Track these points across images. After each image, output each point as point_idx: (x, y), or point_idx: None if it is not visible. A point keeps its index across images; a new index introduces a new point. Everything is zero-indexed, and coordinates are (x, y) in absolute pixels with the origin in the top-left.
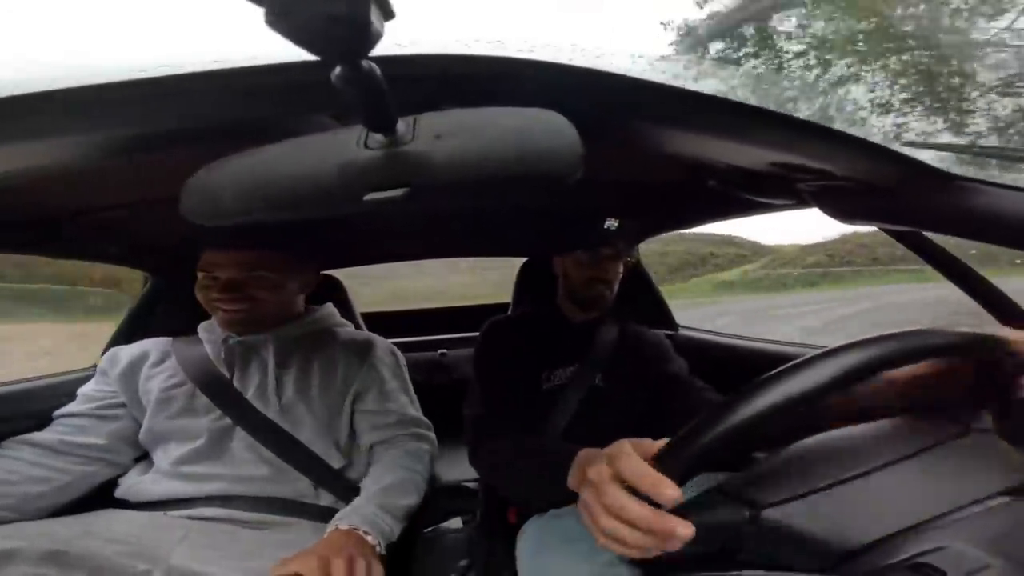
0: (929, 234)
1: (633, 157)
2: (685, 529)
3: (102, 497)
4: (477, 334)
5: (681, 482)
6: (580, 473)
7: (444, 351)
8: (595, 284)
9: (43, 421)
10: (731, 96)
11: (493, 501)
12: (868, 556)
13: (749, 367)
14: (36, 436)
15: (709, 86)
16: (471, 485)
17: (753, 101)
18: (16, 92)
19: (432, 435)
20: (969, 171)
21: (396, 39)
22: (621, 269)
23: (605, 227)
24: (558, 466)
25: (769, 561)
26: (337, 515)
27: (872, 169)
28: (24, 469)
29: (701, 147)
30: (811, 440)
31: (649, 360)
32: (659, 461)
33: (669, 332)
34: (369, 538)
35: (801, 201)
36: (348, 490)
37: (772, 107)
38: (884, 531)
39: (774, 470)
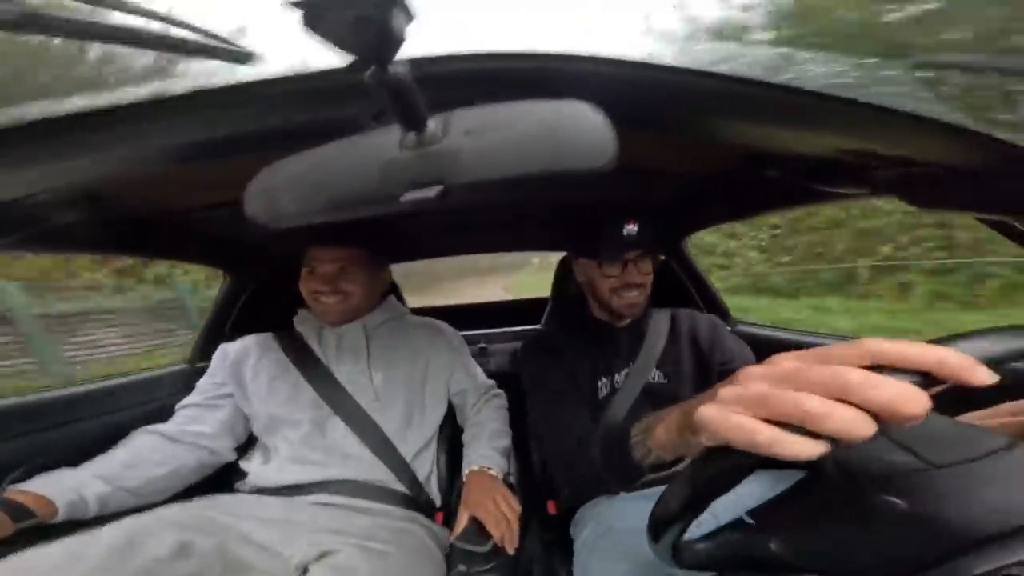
0: None
1: (680, 147)
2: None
3: (205, 483)
4: (516, 328)
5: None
6: (678, 420)
7: (484, 345)
8: (625, 291)
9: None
10: (782, 80)
11: (532, 493)
12: (954, 563)
13: None
14: (158, 426)
15: (757, 70)
16: (511, 478)
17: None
18: (93, 106)
19: (500, 389)
20: None
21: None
22: (651, 269)
23: (624, 234)
24: (616, 445)
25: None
26: (465, 460)
27: (955, 151)
28: (147, 454)
29: (755, 135)
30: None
31: (709, 346)
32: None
33: (726, 327)
34: (493, 471)
35: (875, 189)
36: (414, 481)
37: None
38: (976, 535)
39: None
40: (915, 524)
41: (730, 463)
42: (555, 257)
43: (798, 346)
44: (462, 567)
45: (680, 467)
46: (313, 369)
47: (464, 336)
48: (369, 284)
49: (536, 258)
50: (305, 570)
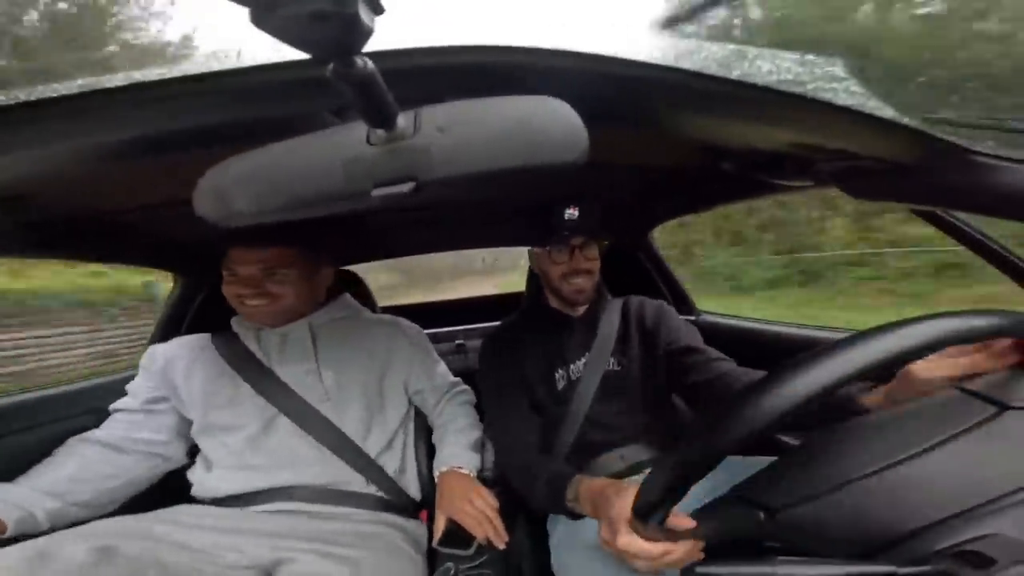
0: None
1: (641, 141)
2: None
3: (160, 491)
4: (495, 323)
5: (664, 516)
6: (591, 507)
7: (461, 341)
8: (573, 277)
9: (94, 418)
10: (739, 76)
11: (510, 487)
12: (911, 543)
13: (772, 351)
14: (98, 433)
15: (715, 66)
16: (487, 473)
17: (763, 80)
18: (26, 99)
19: (467, 386)
20: (990, 147)
21: (392, 33)
22: (597, 254)
23: (566, 217)
24: (559, 492)
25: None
26: (436, 460)
27: (892, 146)
28: (94, 466)
29: (712, 129)
30: (835, 430)
31: (655, 329)
32: (636, 514)
33: (690, 317)
34: (464, 469)
35: (820, 181)
36: (386, 480)
37: (784, 86)
38: (928, 519)
39: (792, 468)
40: (881, 506)
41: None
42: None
43: (758, 335)
44: (449, 564)
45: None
46: (253, 371)
47: (442, 332)
48: (302, 284)
49: (524, 260)
50: None
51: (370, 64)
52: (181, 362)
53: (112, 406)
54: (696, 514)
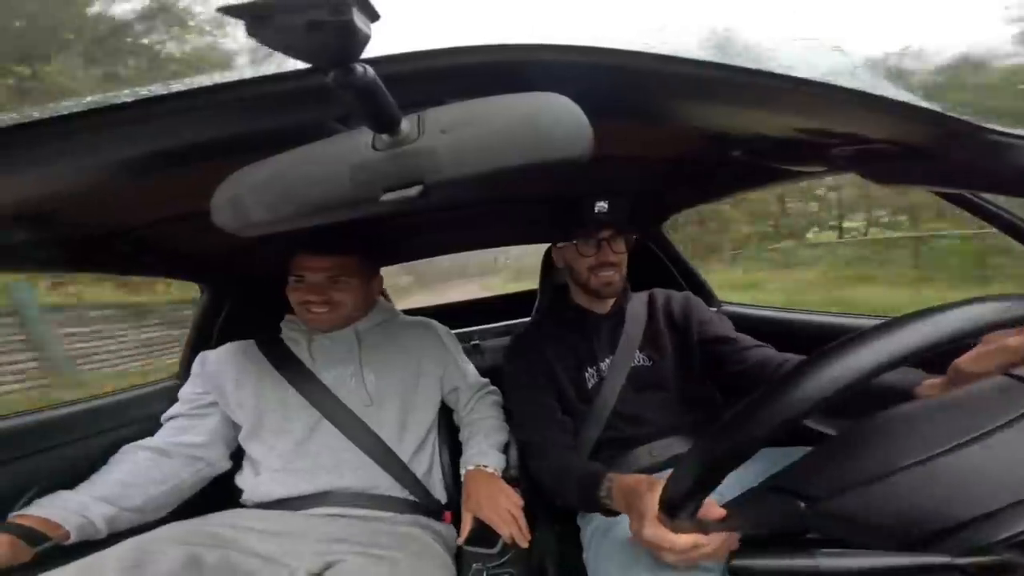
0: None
1: (650, 132)
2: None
3: (203, 496)
4: (508, 322)
5: (695, 510)
6: (624, 503)
7: (477, 341)
8: (601, 270)
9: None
10: (744, 63)
11: (535, 486)
12: (966, 533)
13: (795, 340)
14: (148, 440)
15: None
16: (514, 471)
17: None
18: (47, 116)
19: (494, 387)
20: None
21: (391, 38)
22: (624, 248)
23: (596, 211)
24: (591, 490)
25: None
26: (463, 459)
27: (906, 129)
28: (144, 472)
29: (722, 118)
30: (879, 417)
31: (684, 321)
32: (663, 507)
33: (711, 309)
34: (490, 469)
35: (835, 166)
36: (416, 484)
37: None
38: (983, 508)
39: (831, 458)
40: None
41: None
42: (526, 262)
43: (780, 324)
44: (476, 565)
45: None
46: (300, 376)
47: (456, 333)
48: (360, 292)
49: (502, 257)
50: None
51: (370, 71)
52: (232, 367)
53: (164, 415)
54: (730, 505)
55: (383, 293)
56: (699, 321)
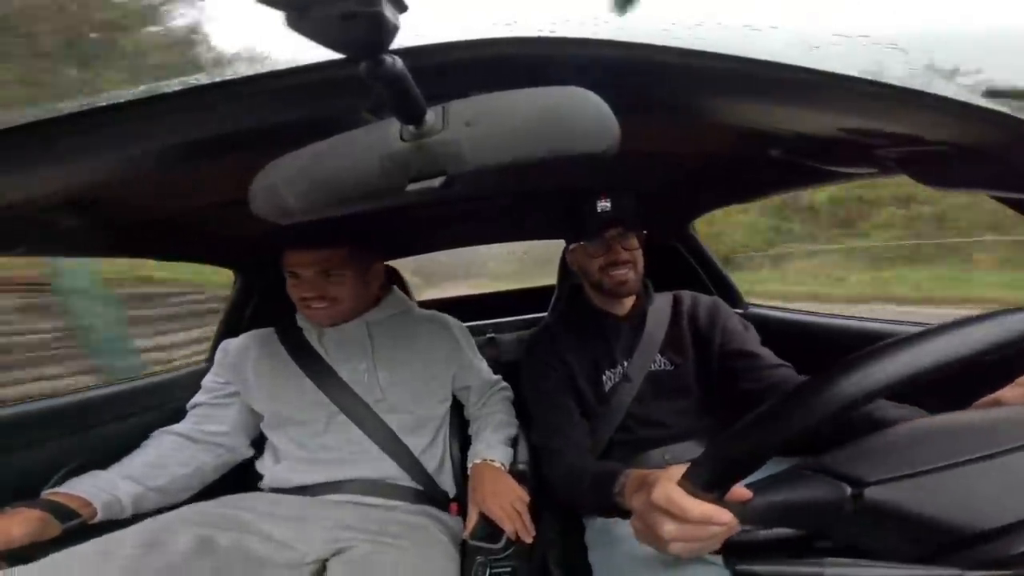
0: None
1: (680, 130)
2: (722, 515)
3: (224, 481)
4: (524, 317)
5: (723, 491)
6: (635, 485)
7: (492, 335)
8: (613, 269)
9: (173, 412)
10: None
11: (541, 481)
12: (996, 543)
13: (825, 345)
14: (176, 426)
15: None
16: (521, 466)
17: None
18: (92, 106)
19: (506, 383)
20: None
21: (419, 30)
22: (636, 244)
23: (599, 210)
24: (605, 487)
25: (863, 547)
26: (471, 453)
27: (962, 129)
28: (170, 455)
29: (759, 115)
30: (923, 422)
31: (709, 328)
32: (686, 479)
33: (737, 311)
34: (497, 463)
35: (885, 168)
36: (424, 475)
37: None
38: (1015, 516)
39: (881, 447)
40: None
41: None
42: (511, 266)
43: (808, 328)
44: (480, 558)
45: None
46: (316, 367)
47: (473, 326)
48: (358, 283)
49: (492, 263)
50: (323, 566)
51: (399, 62)
52: (251, 357)
53: (189, 403)
54: (757, 485)
55: (404, 287)
56: (724, 330)
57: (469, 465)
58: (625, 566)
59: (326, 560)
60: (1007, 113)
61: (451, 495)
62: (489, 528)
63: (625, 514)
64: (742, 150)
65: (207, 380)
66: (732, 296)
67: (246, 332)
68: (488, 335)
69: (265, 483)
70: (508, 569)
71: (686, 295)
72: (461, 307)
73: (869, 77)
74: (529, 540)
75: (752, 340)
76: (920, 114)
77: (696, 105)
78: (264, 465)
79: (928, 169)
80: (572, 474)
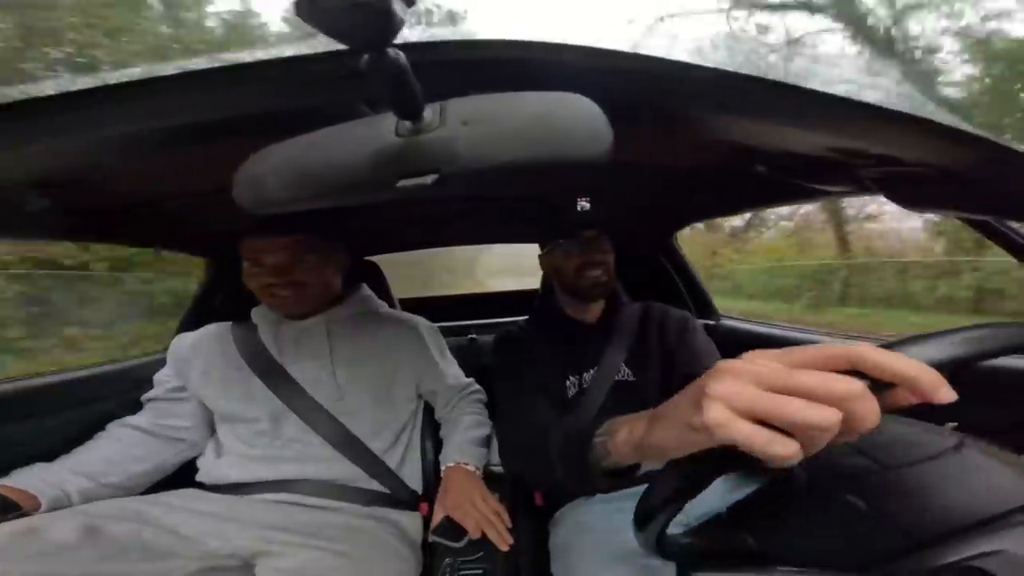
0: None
1: (668, 141)
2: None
3: (180, 476)
4: (507, 319)
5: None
6: (647, 424)
7: (473, 336)
8: (588, 270)
9: (127, 402)
10: (777, 77)
11: (520, 484)
12: (919, 555)
13: None
14: (133, 419)
15: (753, 67)
16: (496, 469)
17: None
18: (71, 88)
19: (479, 386)
20: None
21: (423, 26)
22: (610, 247)
23: (579, 208)
24: (581, 446)
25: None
26: (442, 455)
27: (945, 152)
28: (128, 449)
29: (744, 131)
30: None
31: (675, 345)
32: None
33: (710, 322)
34: (470, 466)
35: (862, 188)
36: (387, 474)
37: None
38: (937, 529)
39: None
40: (876, 521)
41: (718, 461)
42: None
43: (780, 342)
44: (448, 560)
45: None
46: (266, 367)
47: (455, 326)
48: (324, 270)
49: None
50: (249, 568)
51: (402, 56)
52: (200, 354)
53: (143, 397)
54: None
55: (382, 285)
56: (688, 351)
57: (442, 467)
58: (592, 572)
59: (251, 560)
60: (985, 136)
61: (420, 493)
62: (451, 527)
63: (613, 476)
64: (726, 164)
65: (158, 375)
66: (707, 308)
67: (208, 324)
68: (470, 335)
69: (200, 477)
70: (480, 571)
71: (657, 307)
72: (442, 307)
73: (854, 97)
74: (505, 548)
75: (713, 362)
76: (901, 135)
77: (685, 117)
78: (204, 460)
79: (905, 191)
80: (533, 446)
